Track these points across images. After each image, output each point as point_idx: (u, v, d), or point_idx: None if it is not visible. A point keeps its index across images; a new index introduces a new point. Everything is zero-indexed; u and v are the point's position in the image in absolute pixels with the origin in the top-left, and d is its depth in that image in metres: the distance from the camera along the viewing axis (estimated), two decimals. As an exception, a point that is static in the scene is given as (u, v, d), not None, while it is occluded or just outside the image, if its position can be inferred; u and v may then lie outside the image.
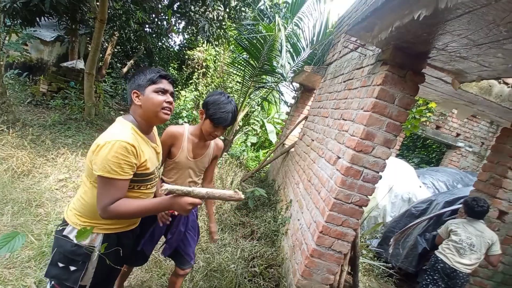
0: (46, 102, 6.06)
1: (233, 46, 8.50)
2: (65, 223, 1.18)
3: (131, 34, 7.60)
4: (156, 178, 1.29)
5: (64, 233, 1.15)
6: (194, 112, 6.46)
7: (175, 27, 8.15)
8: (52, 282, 1.18)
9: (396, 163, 4.64)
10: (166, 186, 1.00)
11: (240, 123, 7.34)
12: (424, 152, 9.27)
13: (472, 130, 6.49)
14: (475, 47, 1.52)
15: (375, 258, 3.66)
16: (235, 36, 6.77)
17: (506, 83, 2.38)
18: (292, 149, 4.37)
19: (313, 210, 2.39)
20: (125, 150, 1.05)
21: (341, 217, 2.07)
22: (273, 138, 8.32)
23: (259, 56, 5.44)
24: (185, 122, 4.50)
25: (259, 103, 6.72)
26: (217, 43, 7.29)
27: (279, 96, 6.27)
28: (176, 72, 10.17)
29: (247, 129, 7.63)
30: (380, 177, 2.02)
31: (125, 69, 9.80)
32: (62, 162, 3.87)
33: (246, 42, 5.63)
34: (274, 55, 5.47)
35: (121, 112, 8.08)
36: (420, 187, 4.47)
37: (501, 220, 2.65)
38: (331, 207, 2.04)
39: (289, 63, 5.50)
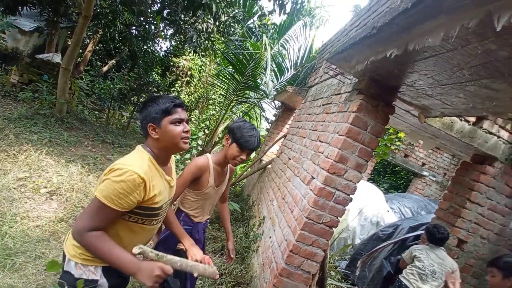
0: (15, 94, 5.69)
1: (219, 58, 8.61)
2: (64, 256, 1.11)
3: (116, 34, 7.46)
4: (163, 214, 1.23)
5: (65, 268, 1.08)
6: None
7: (162, 33, 8.14)
8: None
9: (367, 187, 4.83)
10: (138, 248, 0.98)
11: (220, 135, 7.32)
12: (393, 178, 9.76)
13: (436, 161, 6.97)
14: (439, 86, 1.67)
15: (343, 280, 3.70)
16: (222, 49, 6.88)
17: (467, 121, 2.63)
18: (269, 166, 4.41)
19: (285, 228, 2.40)
20: (133, 182, 1.00)
21: (311, 236, 2.10)
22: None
23: (244, 71, 5.56)
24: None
25: (241, 117, 6.78)
26: (203, 54, 7.35)
27: (261, 112, 6.38)
28: (159, 77, 10.05)
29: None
30: (351, 200, 2.10)
31: (105, 68, 9.51)
32: (23, 160, 3.60)
33: (233, 56, 5.74)
34: (258, 72, 5.61)
35: (96, 112, 7.76)
36: (388, 211, 4.67)
37: (460, 249, 2.82)
38: (302, 226, 2.06)
39: (272, 81, 5.66)
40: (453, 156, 6.84)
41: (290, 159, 3.22)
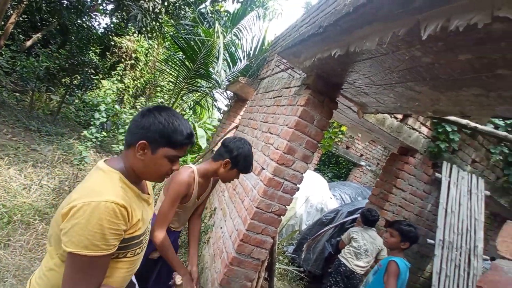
0: None
1: (168, 43, 8.09)
2: None
3: (43, 4, 6.37)
4: (146, 238, 1.01)
5: None
6: (116, 106, 5.78)
7: (101, 8, 7.24)
8: None
9: (312, 176, 5.18)
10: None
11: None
12: (336, 168, 10.65)
13: (371, 152, 7.83)
14: (374, 86, 1.86)
15: (290, 264, 3.95)
16: (172, 33, 6.46)
17: (396, 118, 2.99)
18: (221, 157, 4.39)
19: (236, 219, 2.43)
20: (113, 215, 0.77)
21: (261, 225, 2.17)
22: (203, 143, 8.17)
23: (196, 58, 5.33)
24: (103, 117, 3.95)
25: (192, 106, 6.54)
26: (150, 36, 6.80)
27: (213, 102, 6.25)
28: (97, 58, 8.98)
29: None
30: (298, 189, 2.22)
31: (29, 42, 8.10)
32: None
33: (183, 42, 5.45)
34: (211, 60, 5.45)
35: (17, 94, 6.60)
36: (331, 198, 5.10)
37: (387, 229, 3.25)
38: (252, 215, 2.12)
39: (225, 71, 5.57)
40: (384, 148, 7.77)
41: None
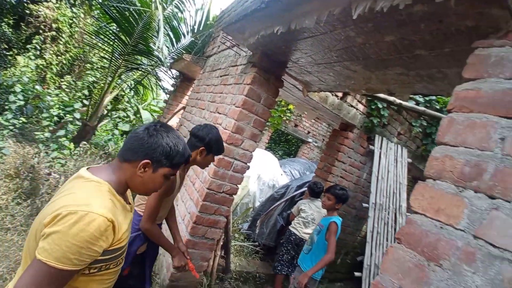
0: None
1: (98, 11, 7.07)
2: None
3: None
4: (126, 247, 0.95)
5: None
6: (37, 87, 4.92)
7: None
8: None
9: (264, 154, 5.33)
10: None
11: (109, 107, 6.28)
12: (286, 145, 11.15)
13: (317, 129, 8.35)
14: (316, 65, 1.94)
15: (245, 240, 4.10)
16: (100, 0, 5.65)
17: (337, 96, 3.20)
18: (169, 140, 4.18)
19: (188, 202, 2.39)
20: (98, 231, 0.74)
21: (213, 206, 2.18)
22: (149, 126, 7.66)
23: (132, 32, 4.80)
24: (20, 99, 3.35)
25: (133, 86, 5.96)
26: (73, 2, 5.83)
27: (156, 81, 5.80)
28: (10, 30, 7.43)
29: (116, 115, 6.62)
30: (248, 167, 2.26)
31: None
32: None
33: (116, 12, 4.82)
34: (150, 35, 4.97)
35: None
36: (282, 174, 5.35)
37: (329, 197, 3.58)
38: (204, 197, 2.10)
39: (167, 47, 5.16)
40: (328, 125, 8.35)
41: (189, 131, 3.13)
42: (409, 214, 2.99)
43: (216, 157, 2.09)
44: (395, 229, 3.63)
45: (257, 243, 3.97)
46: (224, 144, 2.06)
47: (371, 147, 3.66)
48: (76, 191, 0.80)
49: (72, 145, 3.79)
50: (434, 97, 3.75)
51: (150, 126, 0.93)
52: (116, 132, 6.66)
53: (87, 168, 0.89)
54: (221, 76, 2.83)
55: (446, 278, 0.65)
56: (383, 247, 3.45)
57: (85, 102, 5.44)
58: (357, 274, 3.42)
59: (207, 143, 1.55)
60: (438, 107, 3.80)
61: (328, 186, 2.54)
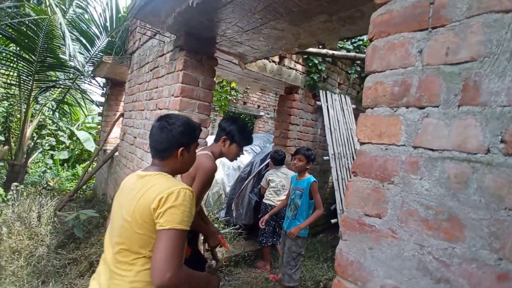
0: None
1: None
2: None
3: None
4: None
5: None
6: None
7: None
8: None
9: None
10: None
11: (36, 139, 5.49)
12: (242, 125, 11.16)
13: (267, 101, 8.45)
14: (244, 33, 1.88)
15: (226, 226, 4.10)
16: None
17: (274, 61, 3.21)
18: (116, 153, 3.84)
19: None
20: (191, 199, 0.97)
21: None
22: (90, 146, 6.94)
23: (35, 46, 4.14)
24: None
25: (55, 107, 5.24)
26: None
27: (82, 96, 5.17)
28: None
29: (45, 143, 5.83)
30: (206, 155, 2.19)
31: None
32: None
33: (11, 30, 4.09)
34: (57, 44, 4.34)
35: None
36: (243, 154, 5.35)
37: (293, 161, 3.71)
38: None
39: (81, 53, 4.59)
40: (276, 94, 8.51)
41: (135, 137, 2.90)
42: None
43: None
44: (357, 172, 3.96)
45: (237, 225, 4.00)
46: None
47: (318, 103, 3.82)
48: (157, 182, 1.00)
49: (1, 190, 3.26)
50: (361, 42, 3.99)
51: (161, 124, 1.08)
52: (50, 161, 5.91)
53: (142, 170, 1.10)
54: (151, 70, 2.62)
55: (399, 192, 0.70)
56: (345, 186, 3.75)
57: (0, 138, 4.66)
58: (333, 220, 3.70)
59: (228, 132, 1.61)
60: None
61: (296, 150, 2.60)
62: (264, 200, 3.26)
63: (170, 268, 0.86)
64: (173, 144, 1.06)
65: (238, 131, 1.62)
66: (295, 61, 3.48)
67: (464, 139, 0.64)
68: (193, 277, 0.99)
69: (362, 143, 0.81)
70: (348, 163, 3.85)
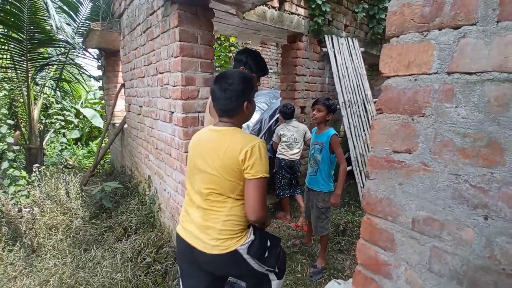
0: None
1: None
2: (231, 254, 1.16)
3: None
4: None
5: (246, 250, 1.18)
6: None
7: None
8: None
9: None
10: None
11: (45, 120, 5.53)
12: (244, 84, 10.82)
13: (268, 55, 8.04)
14: (239, -27, 1.68)
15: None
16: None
17: (274, 7, 2.94)
18: (125, 125, 3.85)
19: (173, 173, 2.32)
20: (265, 148, 1.15)
21: (199, 166, 2.13)
22: (99, 123, 6.98)
23: (21, 24, 3.92)
24: None
25: (55, 86, 5.15)
26: None
27: (79, 71, 5.02)
28: None
29: (55, 125, 5.88)
30: (216, 116, 2.15)
31: None
32: None
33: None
34: (42, 17, 4.09)
35: None
36: (261, 86, 5.26)
37: (303, 113, 3.64)
38: (186, 161, 2.03)
39: (68, 24, 4.33)
40: (277, 45, 8.04)
41: (141, 106, 2.86)
42: (375, 100, 3.15)
43: (180, 116, 1.95)
44: (367, 118, 3.88)
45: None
46: (181, 102, 1.90)
47: (324, 49, 3.60)
48: (237, 137, 1.16)
49: (24, 173, 3.40)
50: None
51: (222, 86, 1.17)
52: (64, 139, 6.02)
53: (214, 125, 1.24)
54: (144, 32, 2.45)
55: (432, 123, 0.66)
56: (362, 137, 3.72)
57: (10, 122, 4.71)
58: (348, 168, 3.75)
59: (246, 62, 1.65)
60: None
61: (314, 100, 2.38)
62: (277, 155, 3.29)
63: (263, 208, 1.13)
64: (239, 102, 1.18)
65: (253, 59, 1.68)
66: (296, 4, 3.18)
67: (505, 58, 0.58)
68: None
69: (387, 77, 0.75)
70: (359, 111, 3.76)
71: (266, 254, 1.25)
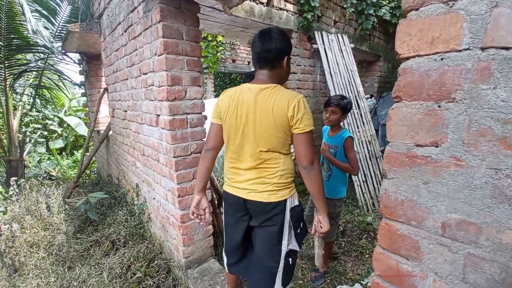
0: None
1: None
2: (282, 202, 1.27)
3: None
4: None
5: (291, 205, 1.30)
6: None
7: None
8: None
9: (215, 102, 4.99)
10: None
11: (24, 130, 5.23)
12: (233, 85, 10.71)
13: (256, 55, 7.94)
14: (225, -38, 1.56)
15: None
16: None
17: (262, 2, 2.84)
18: (110, 132, 3.66)
19: (162, 180, 2.16)
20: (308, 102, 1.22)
21: (189, 171, 1.99)
22: (83, 131, 6.70)
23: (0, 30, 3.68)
24: None
25: (34, 94, 4.89)
26: None
27: (59, 77, 4.78)
28: None
29: (34, 133, 5.59)
30: (206, 117, 2.02)
31: None
32: None
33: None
34: (19, 22, 3.87)
35: None
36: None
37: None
38: (175, 167, 1.89)
39: (47, 28, 4.11)
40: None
41: (126, 111, 2.69)
42: (367, 96, 3.02)
43: (167, 118, 1.81)
44: (360, 115, 3.82)
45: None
46: (167, 103, 1.76)
47: (314, 46, 3.52)
48: (282, 93, 1.19)
49: (0, 188, 3.16)
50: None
51: (267, 36, 1.21)
52: (43, 150, 5.73)
53: (251, 83, 1.27)
54: (125, 31, 2.30)
55: (464, 109, 0.56)
56: (356, 134, 3.66)
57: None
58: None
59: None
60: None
61: (326, 101, 2.07)
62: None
63: (315, 155, 1.21)
64: (281, 52, 1.21)
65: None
66: (284, 0, 3.09)
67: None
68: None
69: (405, 59, 0.64)
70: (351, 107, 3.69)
71: (298, 230, 1.34)
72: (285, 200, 1.27)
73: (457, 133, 0.57)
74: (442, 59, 0.58)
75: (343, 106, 1.96)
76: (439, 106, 0.59)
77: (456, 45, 0.56)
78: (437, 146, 0.60)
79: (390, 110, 0.67)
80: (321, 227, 1.30)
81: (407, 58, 0.63)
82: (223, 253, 1.59)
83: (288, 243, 1.31)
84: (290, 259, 1.33)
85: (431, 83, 0.60)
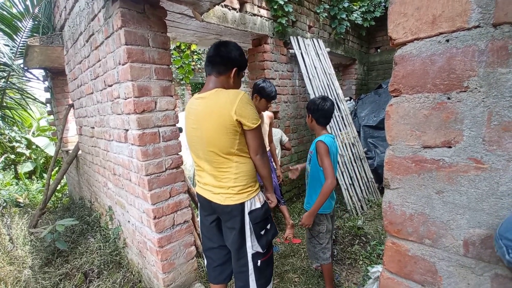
0: None
1: None
2: (239, 205, 1.29)
3: None
4: None
5: (250, 208, 1.31)
6: None
7: None
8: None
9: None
10: None
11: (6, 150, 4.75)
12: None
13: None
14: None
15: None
16: None
17: (235, 8, 2.75)
18: (80, 151, 3.38)
19: (136, 201, 1.96)
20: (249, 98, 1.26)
21: (165, 189, 1.80)
22: (52, 151, 6.25)
23: None
24: None
25: (-6, 115, 4.47)
26: None
27: (22, 96, 4.42)
28: None
29: (2, 159, 5.12)
30: (180, 129, 1.86)
31: None
32: None
33: None
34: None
35: None
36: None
37: (277, 118, 3.45)
38: (148, 186, 1.70)
39: (7, 45, 3.80)
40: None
41: (93, 127, 2.47)
42: (347, 98, 2.96)
43: (136, 133, 1.64)
44: (342, 117, 3.80)
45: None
46: (135, 116, 1.59)
47: (291, 51, 3.47)
48: (222, 95, 1.23)
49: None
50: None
51: (219, 45, 1.28)
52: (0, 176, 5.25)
53: (199, 94, 1.33)
54: (87, 41, 2.11)
55: (482, 99, 0.45)
56: (338, 137, 3.61)
57: None
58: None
59: (258, 91, 2.20)
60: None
61: (307, 104, 1.92)
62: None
63: (264, 147, 1.31)
64: (230, 60, 1.26)
65: (264, 88, 2.19)
66: (258, 6, 3.03)
67: None
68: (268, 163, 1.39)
69: (402, 44, 0.53)
70: (333, 110, 3.65)
71: (263, 232, 1.35)
72: (242, 204, 1.30)
73: (475, 129, 0.46)
74: (447, 40, 0.48)
75: (308, 108, 1.86)
76: (449, 98, 0.48)
77: (463, 22, 0.46)
78: (450, 147, 0.49)
79: (388, 107, 0.56)
80: (270, 202, 1.51)
81: (404, 43, 0.53)
82: (203, 253, 1.64)
83: (252, 245, 1.34)
84: (258, 261, 1.36)
85: (436, 70, 0.49)
